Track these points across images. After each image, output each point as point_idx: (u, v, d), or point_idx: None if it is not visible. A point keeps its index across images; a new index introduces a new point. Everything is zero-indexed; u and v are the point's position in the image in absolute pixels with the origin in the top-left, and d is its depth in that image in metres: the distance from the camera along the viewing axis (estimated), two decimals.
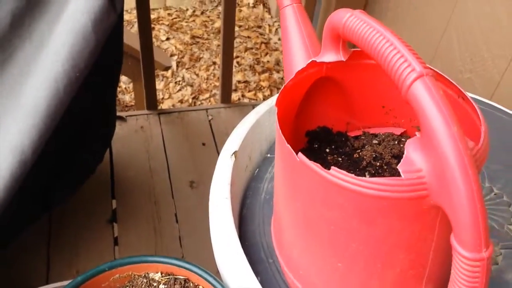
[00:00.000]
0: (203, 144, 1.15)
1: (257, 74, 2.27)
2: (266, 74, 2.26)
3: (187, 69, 2.30)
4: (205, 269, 0.51)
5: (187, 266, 0.52)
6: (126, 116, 1.19)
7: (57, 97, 0.64)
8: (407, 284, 0.41)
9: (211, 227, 0.56)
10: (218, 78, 2.18)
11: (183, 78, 2.24)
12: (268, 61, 2.33)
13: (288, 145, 0.38)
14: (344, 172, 0.34)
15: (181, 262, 0.52)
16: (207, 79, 2.27)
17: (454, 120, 0.31)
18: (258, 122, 0.67)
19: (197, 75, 2.27)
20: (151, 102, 1.20)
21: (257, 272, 0.51)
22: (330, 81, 0.48)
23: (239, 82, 2.21)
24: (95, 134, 0.91)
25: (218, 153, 1.16)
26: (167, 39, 2.40)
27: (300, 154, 0.37)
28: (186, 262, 0.52)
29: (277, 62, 2.32)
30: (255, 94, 2.16)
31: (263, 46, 2.40)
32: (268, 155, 0.69)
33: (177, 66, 2.30)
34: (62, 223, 0.95)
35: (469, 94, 0.42)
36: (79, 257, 0.89)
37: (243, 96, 2.15)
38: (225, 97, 1.25)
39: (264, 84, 2.22)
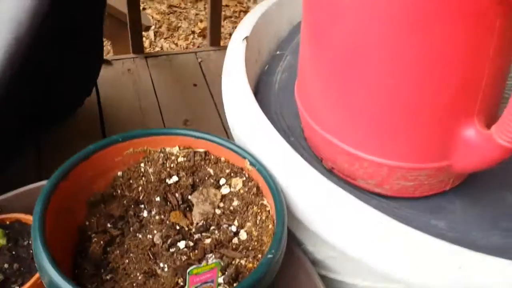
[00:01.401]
0: (195, 85, 1.11)
1: None
2: None
3: (165, 38, 2.24)
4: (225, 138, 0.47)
5: (206, 137, 0.47)
6: (111, 60, 1.13)
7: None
8: (459, 114, 0.38)
9: (227, 101, 0.52)
10: (198, 46, 2.13)
11: (161, 48, 2.18)
12: None
13: None
14: None
15: (200, 133, 0.47)
16: (187, 48, 2.21)
17: None
18: (267, 14, 0.63)
19: (176, 44, 2.20)
20: (137, 45, 1.15)
21: None
22: None
23: (227, 34, 2.17)
24: (80, 63, 0.86)
25: (211, 93, 1.12)
26: (143, 9, 2.33)
27: None
28: (205, 133, 0.47)
29: None
30: None
31: (242, 14, 2.35)
32: (278, 52, 0.65)
33: (155, 36, 2.23)
34: (52, 166, 0.89)
35: None
36: None
37: None
38: (214, 40, 1.21)
39: None
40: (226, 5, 2.39)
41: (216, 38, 1.20)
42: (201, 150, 0.48)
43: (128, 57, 1.14)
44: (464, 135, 0.38)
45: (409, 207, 0.44)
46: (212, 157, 0.48)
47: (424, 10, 0.33)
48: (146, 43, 2.20)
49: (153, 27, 2.27)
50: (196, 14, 2.27)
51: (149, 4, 2.34)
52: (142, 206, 0.45)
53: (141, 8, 2.53)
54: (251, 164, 0.45)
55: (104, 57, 1.12)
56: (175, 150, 0.48)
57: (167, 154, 0.47)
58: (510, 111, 0.33)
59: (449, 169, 0.41)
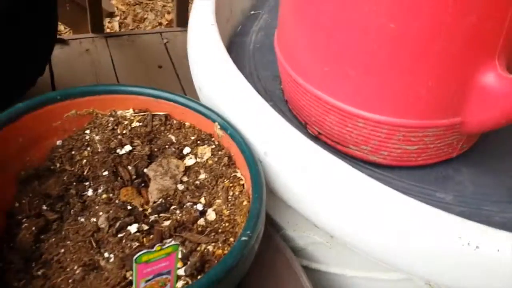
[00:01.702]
0: (160, 67, 1.02)
1: None
2: None
3: (131, 30, 2.14)
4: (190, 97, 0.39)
5: (167, 96, 0.39)
6: (68, 39, 1.03)
7: None
8: (477, 54, 0.31)
9: (192, 56, 0.43)
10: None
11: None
12: None
13: None
14: None
15: (160, 91, 0.39)
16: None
17: None
18: None
19: None
20: (97, 24, 1.05)
21: None
22: None
23: None
24: (28, 38, 0.76)
25: (177, 75, 1.03)
26: None
27: None
28: (166, 91, 0.39)
29: None
30: None
31: None
32: (252, 12, 0.57)
33: (120, 27, 2.13)
34: None
35: None
36: None
37: None
38: (181, 20, 1.12)
39: None
40: None
41: (183, 18, 1.11)
42: (161, 113, 0.39)
43: (86, 37, 1.05)
44: (483, 81, 0.31)
45: (410, 178, 0.36)
46: (175, 121, 0.39)
47: None
48: None
49: (118, 18, 2.17)
50: (163, 6, 2.18)
51: None
52: (87, 183, 0.36)
53: None
54: (222, 128, 0.37)
55: (60, 36, 1.03)
56: (129, 113, 0.39)
57: (118, 118, 0.39)
58: None
59: (461, 127, 0.34)
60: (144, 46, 1.07)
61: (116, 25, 2.26)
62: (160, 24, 2.27)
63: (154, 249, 0.26)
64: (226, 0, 0.53)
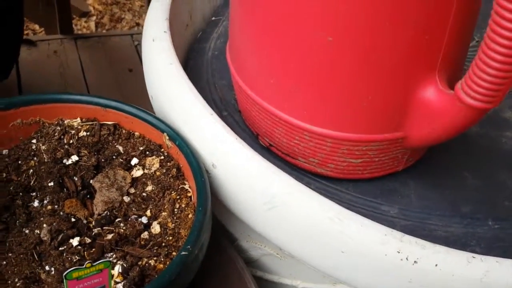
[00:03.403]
0: (130, 70, 1.01)
1: None
2: None
3: (107, 30, 2.11)
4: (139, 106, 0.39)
5: (116, 106, 0.39)
6: (36, 41, 1.01)
7: None
8: (418, 70, 0.31)
9: (146, 67, 0.43)
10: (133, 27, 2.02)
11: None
12: None
13: None
14: None
15: (109, 101, 0.39)
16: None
17: None
18: None
19: None
20: (65, 25, 1.04)
21: None
22: None
23: None
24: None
25: None
26: None
27: None
28: (116, 100, 0.39)
29: None
30: None
31: None
32: (213, 18, 0.57)
33: (96, 27, 2.10)
34: None
35: None
36: None
37: None
38: None
39: None
40: None
41: None
42: (110, 122, 0.39)
43: (55, 38, 1.03)
44: (423, 96, 0.31)
45: (356, 191, 0.37)
46: (124, 131, 0.39)
47: None
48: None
49: (94, 18, 2.14)
50: (141, 6, 2.16)
51: None
52: (33, 193, 0.36)
53: None
54: (171, 138, 0.37)
55: (27, 37, 1.01)
56: (76, 122, 0.39)
57: (65, 127, 0.38)
58: (479, 61, 0.27)
59: (404, 141, 0.34)
60: (114, 48, 1.06)
61: (92, 25, 2.23)
62: (138, 24, 2.25)
63: (84, 265, 0.25)
64: (185, 5, 0.53)
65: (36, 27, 1.96)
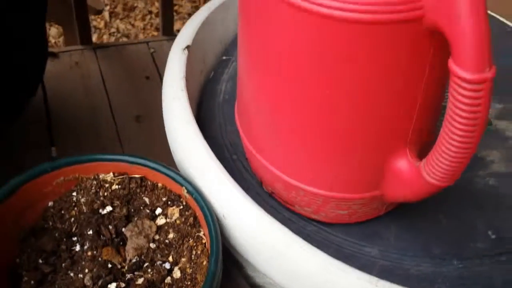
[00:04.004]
0: (147, 78, 1.07)
1: None
2: None
3: (121, 19, 2.16)
4: (162, 163, 0.45)
5: (142, 162, 0.46)
6: (58, 52, 1.08)
7: None
8: (391, 145, 0.38)
9: (167, 122, 0.50)
10: (156, 27, 2.07)
11: (117, 29, 2.10)
12: None
13: None
14: None
15: (136, 158, 0.46)
16: (144, 29, 2.14)
17: None
18: (209, 19, 0.61)
19: (133, 25, 2.13)
20: (85, 36, 1.10)
21: None
22: None
23: (178, 30, 2.10)
24: (21, 67, 0.81)
25: None
26: None
27: None
28: (141, 157, 0.46)
29: None
30: None
31: None
32: (224, 57, 0.63)
33: (110, 16, 2.15)
34: None
35: None
36: None
37: None
38: (167, 29, 1.17)
39: None
40: None
41: (169, 26, 1.16)
42: (137, 176, 0.46)
43: (76, 49, 1.10)
44: (396, 166, 0.38)
45: (345, 234, 0.44)
46: (149, 183, 0.46)
47: (353, 41, 0.32)
48: (101, 24, 2.13)
49: (107, 7, 2.19)
50: None
51: None
52: (75, 238, 0.44)
53: None
54: (189, 192, 0.44)
55: (50, 50, 1.07)
56: (109, 176, 0.46)
57: (100, 182, 0.46)
58: (437, 150, 0.33)
59: (383, 198, 0.41)
60: (131, 57, 1.12)
61: (106, 15, 2.28)
62: (151, 12, 2.30)
63: None
64: (199, 52, 0.59)
65: (51, 37, 2.02)
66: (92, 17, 1.95)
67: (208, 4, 0.61)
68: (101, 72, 1.06)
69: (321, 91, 0.34)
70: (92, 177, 0.46)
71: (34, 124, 0.94)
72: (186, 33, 0.57)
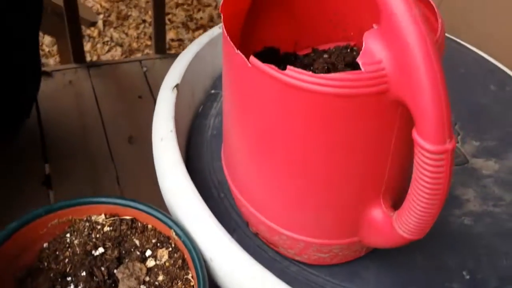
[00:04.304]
0: (140, 97, 1.09)
1: (190, 31, 2.19)
2: (200, 31, 2.17)
3: (115, 28, 2.17)
4: (151, 204, 0.48)
5: (133, 205, 0.48)
6: (51, 71, 1.10)
7: None
8: (366, 197, 0.40)
9: (156, 163, 0.52)
10: (150, 36, 2.08)
11: (111, 38, 2.11)
12: (201, 18, 2.24)
13: (238, 51, 0.35)
14: (301, 70, 0.32)
15: (127, 201, 0.48)
16: (138, 38, 2.15)
17: (414, 2, 0.29)
18: (199, 55, 0.63)
19: (127, 34, 2.15)
20: (78, 54, 1.12)
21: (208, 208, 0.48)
22: None
23: (172, 40, 2.12)
24: (16, 89, 0.82)
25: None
26: None
27: (252, 57, 0.34)
28: (131, 200, 0.48)
29: (211, 18, 2.24)
30: None
31: (195, 1, 2.30)
32: (213, 91, 0.65)
33: (104, 25, 2.16)
34: None
35: None
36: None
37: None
38: (160, 47, 1.19)
39: None
40: None
41: (161, 45, 1.18)
42: (128, 217, 0.48)
43: (69, 67, 1.12)
44: (371, 215, 0.40)
45: (327, 274, 0.46)
46: (139, 224, 0.48)
47: (326, 110, 0.34)
48: (95, 33, 2.13)
49: (101, 16, 2.20)
50: (147, 2, 2.21)
51: None
52: (69, 278, 0.46)
53: None
54: (177, 234, 0.46)
55: (44, 69, 1.09)
56: (101, 218, 0.48)
57: (93, 223, 0.48)
58: (406, 207, 0.36)
59: (361, 243, 0.43)
60: (124, 76, 1.14)
61: (100, 23, 2.28)
62: (144, 21, 2.30)
63: None
64: (188, 87, 0.61)
65: (45, 46, 2.02)
66: (86, 30, 1.96)
67: (197, 40, 0.63)
68: (94, 91, 1.07)
69: (299, 153, 0.37)
70: (85, 219, 0.48)
71: (28, 143, 0.95)
72: (176, 71, 0.59)
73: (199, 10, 2.25)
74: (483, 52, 0.68)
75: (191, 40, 2.12)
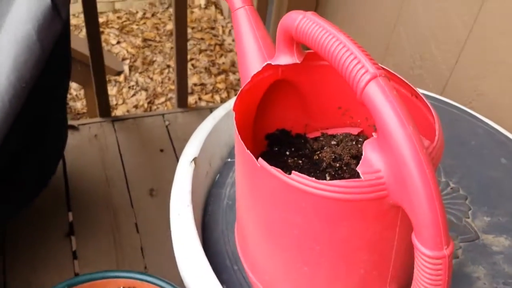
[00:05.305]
0: (161, 151, 1.13)
1: (213, 76, 2.26)
2: (222, 76, 2.24)
3: (140, 73, 2.26)
4: (169, 281, 0.50)
5: (149, 279, 0.50)
6: (78, 125, 1.15)
7: (3, 110, 0.61)
8: (372, 285, 0.41)
9: (173, 237, 0.54)
10: (173, 81, 2.16)
11: (136, 82, 2.20)
12: (223, 63, 2.32)
13: (248, 151, 0.38)
14: (305, 176, 0.34)
15: (143, 275, 0.50)
16: (162, 82, 2.23)
17: (409, 119, 0.31)
18: (216, 127, 0.66)
19: (151, 78, 2.23)
20: (104, 109, 1.17)
21: (222, 281, 0.50)
22: (286, 83, 0.48)
23: (195, 85, 2.19)
24: (45, 146, 0.87)
25: (177, 159, 1.14)
26: (118, 42, 2.35)
27: (260, 159, 0.36)
28: (148, 275, 0.50)
29: (233, 64, 2.31)
30: (212, 97, 2.14)
31: (217, 47, 2.39)
32: (229, 160, 0.68)
33: (130, 70, 2.25)
34: (17, 239, 0.91)
35: (421, 91, 0.43)
36: (37, 273, 0.85)
37: (200, 99, 2.12)
38: (182, 101, 1.23)
39: (221, 86, 2.21)
40: (201, 38, 2.42)
41: (183, 99, 1.23)
42: None
43: (95, 121, 1.17)
44: None
45: None
46: None
47: (330, 212, 0.36)
48: (121, 78, 2.22)
49: (127, 61, 2.29)
50: (171, 48, 2.30)
51: (124, 37, 2.36)
52: None
53: (115, 42, 2.53)
54: None
55: (70, 123, 1.14)
56: None
57: None
58: None
59: None
60: (147, 129, 1.18)
61: (126, 68, 2.37)
62: (168, 66, 2.38)
63: None
64: (206, 158, 0.64)
65: (73, 90, 2.11)
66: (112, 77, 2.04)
67: (213, 114, 0.66)
68: (118, 145, 1.12)
69: (306, 244, 0.39)
70: None
71: (53, 194, 1.00)
72: (194, 145, 0.62)
73: (221, 55, 2.33)
74: (494, 122, 0.70)
75: (213, 85, 2.19)
